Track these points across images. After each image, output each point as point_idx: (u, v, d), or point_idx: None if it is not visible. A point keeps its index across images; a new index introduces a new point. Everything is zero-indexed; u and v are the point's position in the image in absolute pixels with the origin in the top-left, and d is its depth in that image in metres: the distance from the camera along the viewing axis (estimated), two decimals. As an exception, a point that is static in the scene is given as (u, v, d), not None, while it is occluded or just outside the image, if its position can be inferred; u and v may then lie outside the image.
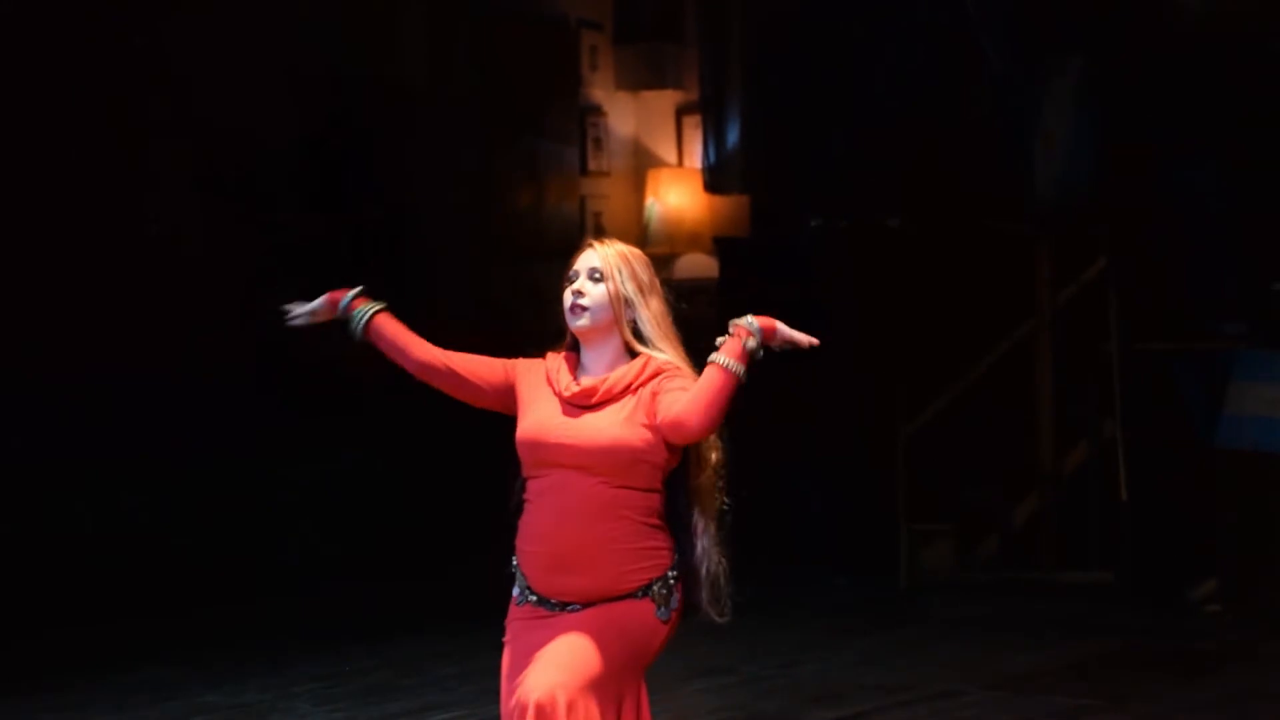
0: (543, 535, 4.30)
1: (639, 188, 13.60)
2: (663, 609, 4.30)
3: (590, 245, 4.43)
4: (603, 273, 4.35)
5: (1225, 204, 9.80)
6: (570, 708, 4.12)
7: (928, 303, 10.50)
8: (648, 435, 4.25)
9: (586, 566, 4.26)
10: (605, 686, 4.21)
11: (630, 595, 4.28)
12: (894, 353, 10.53)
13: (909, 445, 10.42)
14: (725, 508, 4.40)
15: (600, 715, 4.18)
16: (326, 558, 10.44)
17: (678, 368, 4.35)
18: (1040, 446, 10.74)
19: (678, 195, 13.42)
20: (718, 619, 4.38)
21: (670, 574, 4.32)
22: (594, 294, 4.35)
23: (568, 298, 4.38)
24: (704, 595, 4.36)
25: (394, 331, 4.57)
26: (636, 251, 4.43)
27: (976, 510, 10.81)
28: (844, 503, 10.73)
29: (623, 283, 4.34)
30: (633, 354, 4.38)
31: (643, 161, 13.67)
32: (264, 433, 10.30)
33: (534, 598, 4.34)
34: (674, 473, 4.35)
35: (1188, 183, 9.89)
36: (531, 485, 4.36)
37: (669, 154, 13.71)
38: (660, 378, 4.31)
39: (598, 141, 13.47)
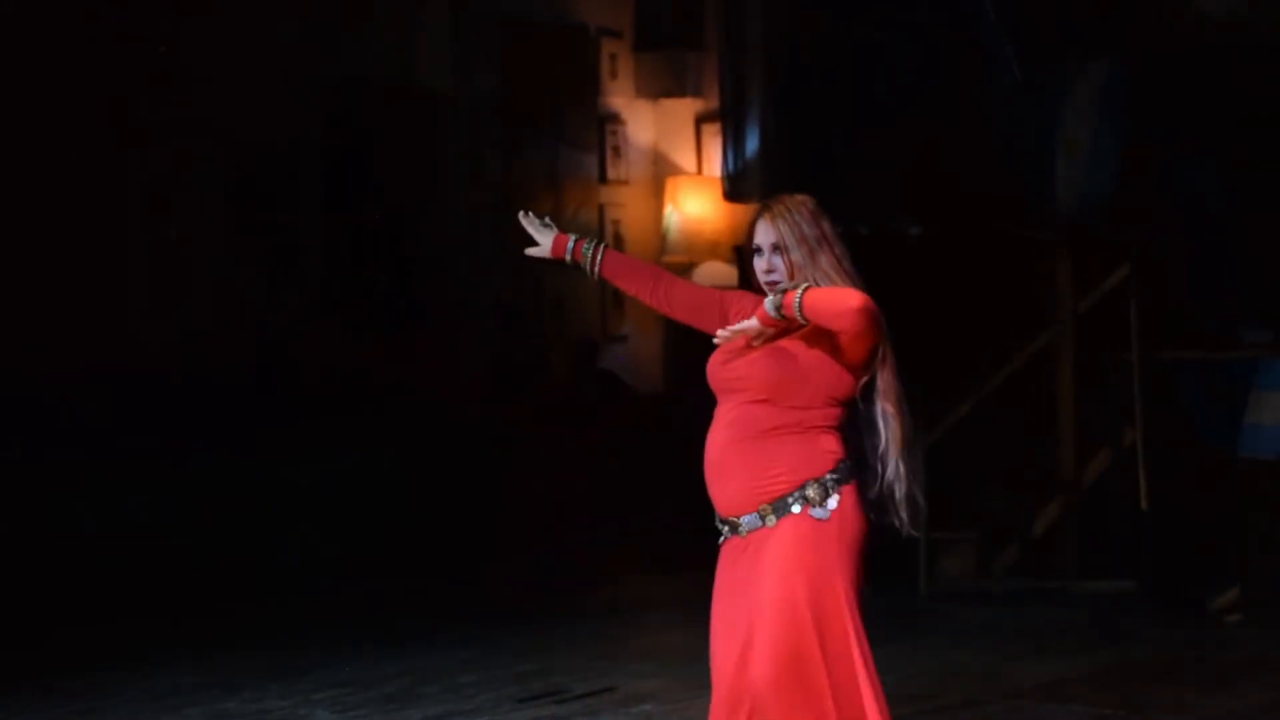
0: (710, 444, 4.71)
1: (658, 196, 13.59)
2: (819, 509, 4.58)
3: (762, 214, 4.72)
4: (780, 244, 4.66)
5: (1229, 205, 9.77)
6: (777, 686, 4.51)
7: (942, 308, 10.45)
8: (812, 360, 4.59)
9: (735, 469, 4.63)
10: (808, 616, 4.52)
11: (788, 500, 4.58)
12: (908, 358, 10.47)
13: (929, 453, 10.37)
14: (909, 427, 4.70)
15: (828, 640, 4.53)
16: (326, 558, 10.47)
17: None
18: (1061, 454, 10.70)
19: (696, 204, 13.41)
20: (913, 533, 4.71)
21: (830, 476, 4.60)
22: (782, 269, 4.67)
23: (761, 275, 4.70)
24: (901, 515, 4.66)
25: (626, 267, 5.02)
26: (802, 203, 4.73)
27: (997, 518, 10.78)
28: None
29: (794, 249, 4.65)
30: None
31: (661, 170, 13.66)
32: (264, 433, 10.33)
33: (725, 528, 4.71)
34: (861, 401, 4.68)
35: (1193, 184, 9.86)
36: (715, 411, 4.74)
37: (688, 162, 13.70)
38: None
39: (616, 150, 13.47)
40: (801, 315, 4.51)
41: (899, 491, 4.67)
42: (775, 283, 4.65)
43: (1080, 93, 10.28)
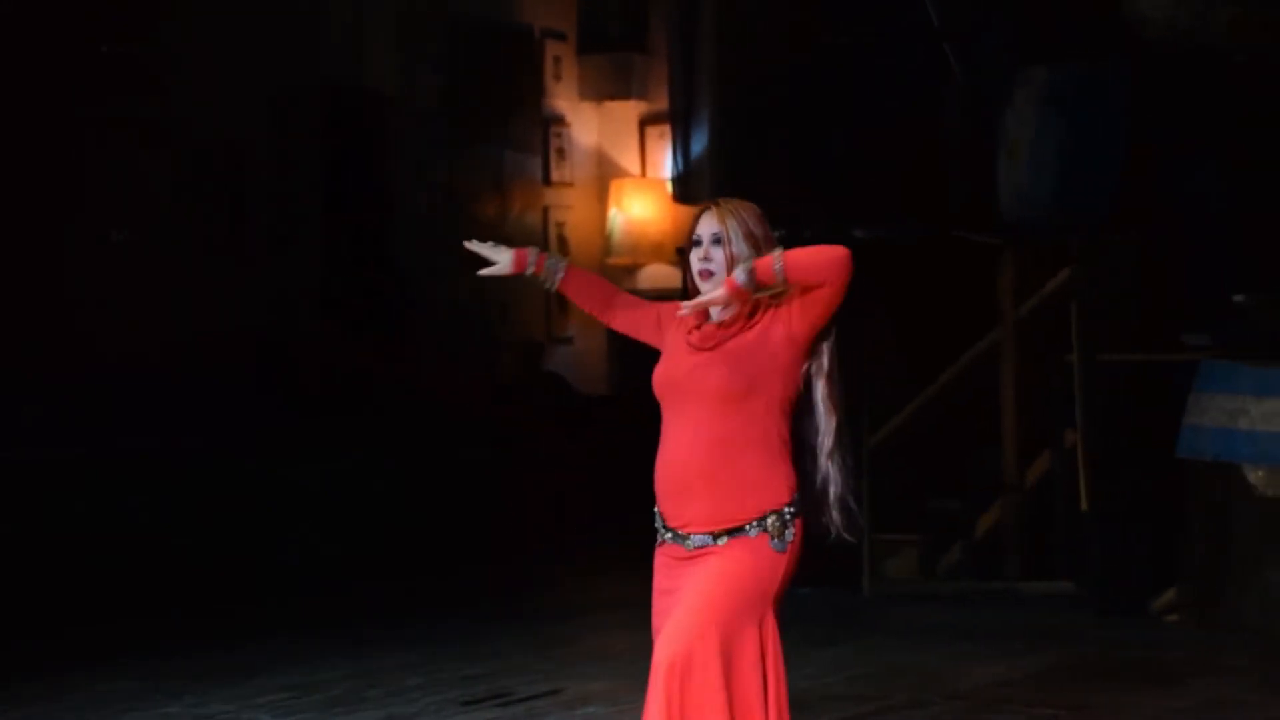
0: (670, 461, 4.71)
1: (602, 198, 13.60)
2: (777, 541, 4.64)
3: (708, 208, 4.80)
4: (720, 236, 4.72)
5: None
6: (687, 662, 4.54)
7: (891, 311, 10.48)
8: (762, 364, 4.64)
9: (705, 489, 4.64)
10: (731, 624, 4.58)
11: (745, 527, 4.62)
12: (854, 361, 10.49)
13: (873, 455, 10.41)
14: (843, 428, 4.76)
15: (726, 650, 4.56)
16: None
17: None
18: (1005, 456, 10.74)
19: (641, 206, 13.42)
20: (849, 539, 4.75)
21: (788, 509, 4.66)
22: (719, 259, 4.72)
23: (695, 264, 4.76)
24: (834, 517, 4.73)
25: (587, 284, 5.05)
26: (748, 206, 4.79)
27: (942, 519, 10.82)
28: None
29: (738, 244, 4.70)
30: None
31: (606, 172, 13.67)
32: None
33: (669, 534, 4.73)
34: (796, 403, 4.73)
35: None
36: (664, 420, 4.76)
37: (632, 165, 13.71)
38: (773, 305, 4.68)
39: (561, 152, 13.47)
40: (782, 276, 4.54)
41: (832, 493, 4.72)
42: (709, 273, 4.69)
43: (1021, 95, 10.32)
